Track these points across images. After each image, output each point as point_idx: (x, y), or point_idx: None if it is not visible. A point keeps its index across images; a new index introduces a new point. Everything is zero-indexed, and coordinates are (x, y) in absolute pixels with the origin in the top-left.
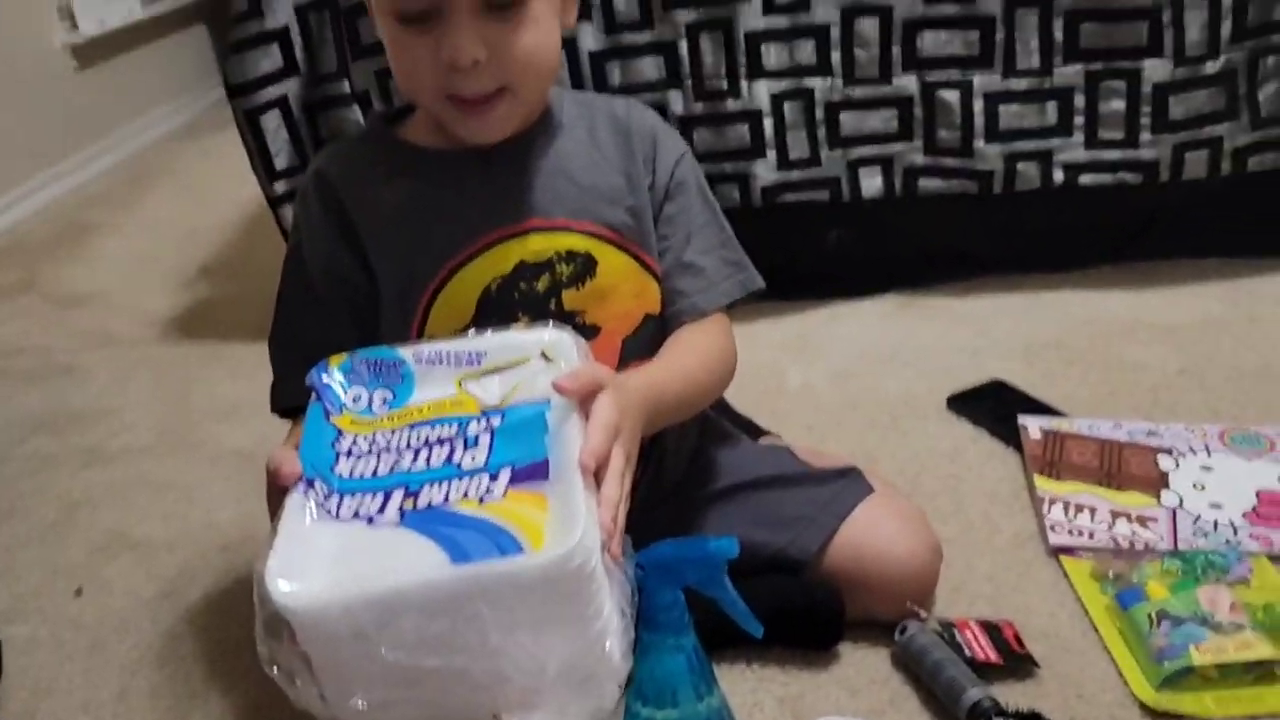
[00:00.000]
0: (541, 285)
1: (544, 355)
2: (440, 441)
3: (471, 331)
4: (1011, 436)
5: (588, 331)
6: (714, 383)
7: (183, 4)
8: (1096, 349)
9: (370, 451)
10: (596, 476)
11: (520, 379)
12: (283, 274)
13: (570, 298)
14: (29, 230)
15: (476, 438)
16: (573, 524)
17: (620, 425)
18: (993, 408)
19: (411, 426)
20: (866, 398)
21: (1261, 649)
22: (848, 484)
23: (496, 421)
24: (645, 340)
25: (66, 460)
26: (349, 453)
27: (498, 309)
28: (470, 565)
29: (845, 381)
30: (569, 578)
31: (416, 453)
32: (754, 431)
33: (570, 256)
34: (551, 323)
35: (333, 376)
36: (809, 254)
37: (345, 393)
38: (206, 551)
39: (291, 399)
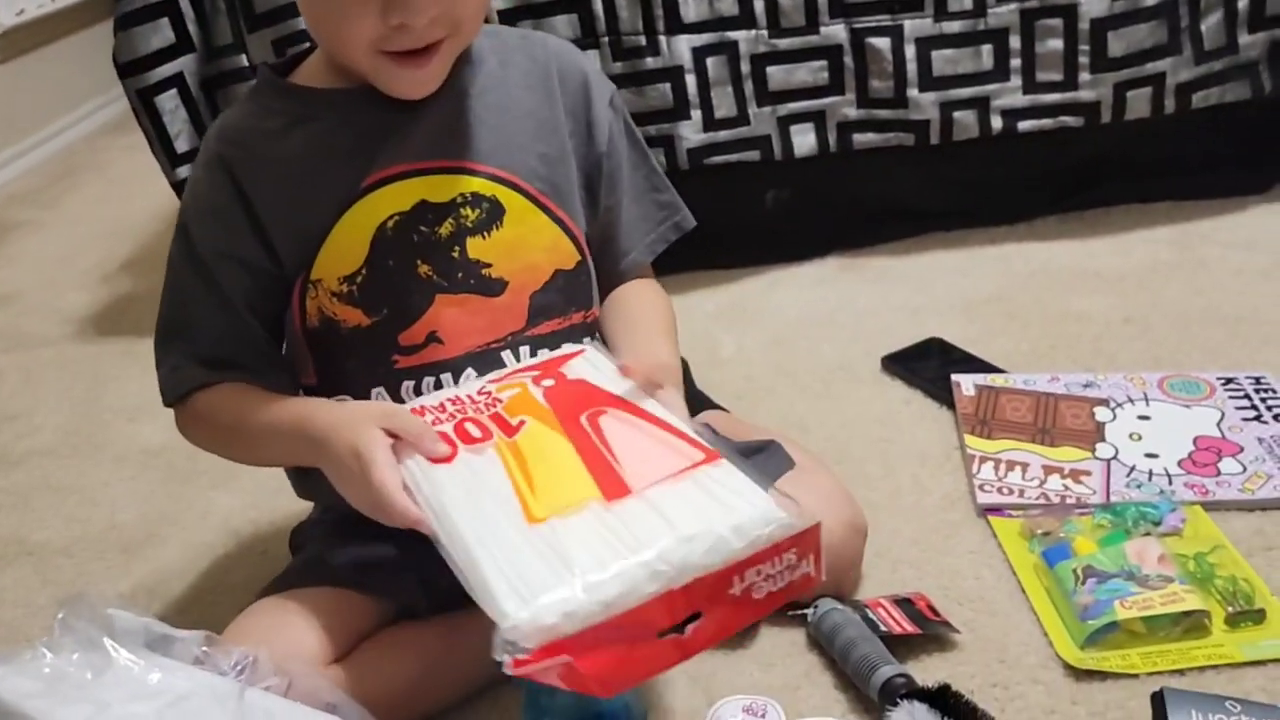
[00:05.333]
0: (445, 230)
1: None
2: None
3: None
4: (947, 396)
5: (495, 286)
6: None
7: None
8: (1039, 302)
9: None
10: None
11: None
12: (171, 262)
13: (476, 246)
14: None
15: None
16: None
17: None
18: (929, 367)
19: None
20: (800, 364)
21: (1189, 601)
22: (765, 460)
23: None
24: (554, 297)
25: None
26: None
27: (395, 251)
28: None
29: (780, 348)
30: None
31: None
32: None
33: (476, 200)
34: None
35: None
36: (744, 218)
37: None
38: (106, 554)
39: (189, 383)
